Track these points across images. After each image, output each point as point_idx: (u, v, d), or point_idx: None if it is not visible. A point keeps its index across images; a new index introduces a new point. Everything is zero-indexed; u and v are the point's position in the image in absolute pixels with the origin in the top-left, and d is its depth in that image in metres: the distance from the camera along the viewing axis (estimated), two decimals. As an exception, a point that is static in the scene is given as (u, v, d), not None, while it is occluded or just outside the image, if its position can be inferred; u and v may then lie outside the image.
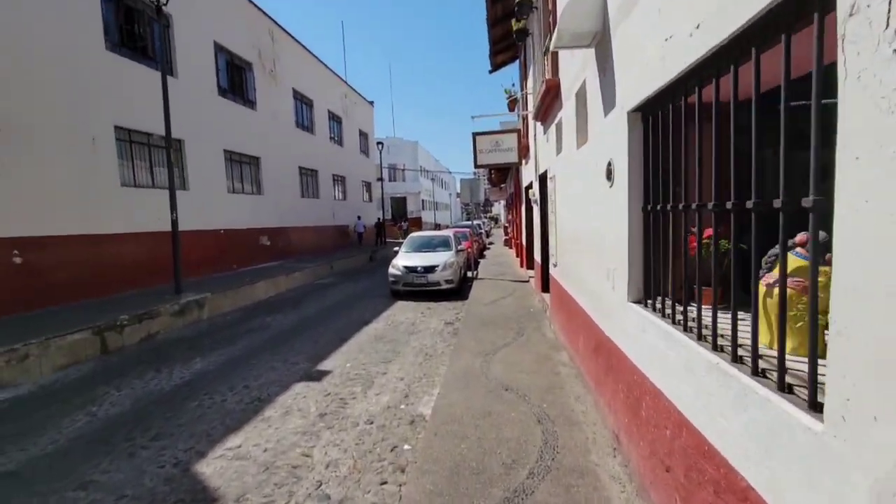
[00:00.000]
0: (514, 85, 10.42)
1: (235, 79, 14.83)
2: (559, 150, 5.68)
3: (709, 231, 2.42)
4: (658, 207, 2.55)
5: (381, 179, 28.24)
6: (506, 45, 11.81)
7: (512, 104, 9.93)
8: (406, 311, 9.55)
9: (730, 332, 1.84)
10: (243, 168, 15.16)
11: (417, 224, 43.01)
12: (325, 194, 21.82)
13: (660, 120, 2.50)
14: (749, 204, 1.93)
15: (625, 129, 2.79)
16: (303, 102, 19.93)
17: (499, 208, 67.40)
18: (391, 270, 11.24)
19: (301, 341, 7.31)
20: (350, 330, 7.91)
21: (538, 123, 7.55)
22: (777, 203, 1.76)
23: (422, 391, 5.01)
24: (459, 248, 12.54)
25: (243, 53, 14.99)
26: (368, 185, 29.50)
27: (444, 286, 10.94)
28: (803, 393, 1.44)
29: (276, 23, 17.35)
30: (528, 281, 11.44)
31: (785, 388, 1.51)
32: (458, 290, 11.33)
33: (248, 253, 14.96)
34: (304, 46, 19.88)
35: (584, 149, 4.13)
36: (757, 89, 1.65)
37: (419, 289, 10.97)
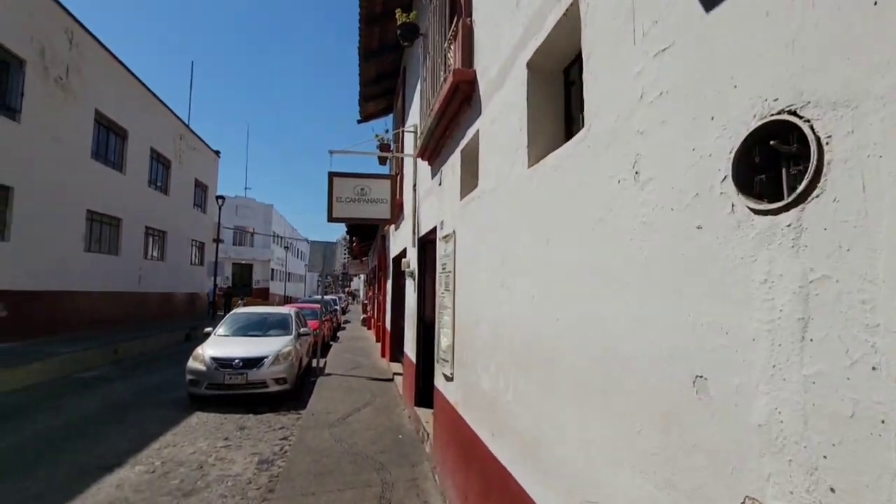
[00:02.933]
0: (387, 131, 8.49)
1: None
2: (469, 188, 3.47)
3: None
4: None
5: (218, 241, 23.47)
6: (380, 91, 9.99)
7: (384, 150, 7.83)
8: (201, 433, 5.96)
9: None
10: (-26, 198, 10.09)
11: (264, 296, 37.40)
12: (131, 251, 16.61)
13: None
14: None
15: None
16: (111, 130, 15.36)
17: (358, 283, 63.93)
18: (191, 364, 7.50)
19: None
20: (57, 496, 4.14)
21: (424, 165, 5.41)
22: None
23: None
24: (303, 331, 9.35)
25: (6, 41, 10.58)
26: (202, 246, 24.34)
27: (274, 388, 7.57)
28: None
29: (80, 24, 13.27)
30: (391, 379, 8.70)
31: None
32: (295, 392, 8.02)
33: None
34: (123, 65, 15.76)
35: (569, 153, 1.90)
36: None
37: (233, 392, 7.41)
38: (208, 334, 8.70)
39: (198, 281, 23.64)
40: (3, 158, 10.54)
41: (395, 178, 6.31)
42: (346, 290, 73.07)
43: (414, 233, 6.06)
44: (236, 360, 7.46)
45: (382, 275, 12.42)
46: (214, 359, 7.45)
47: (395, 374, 8.83)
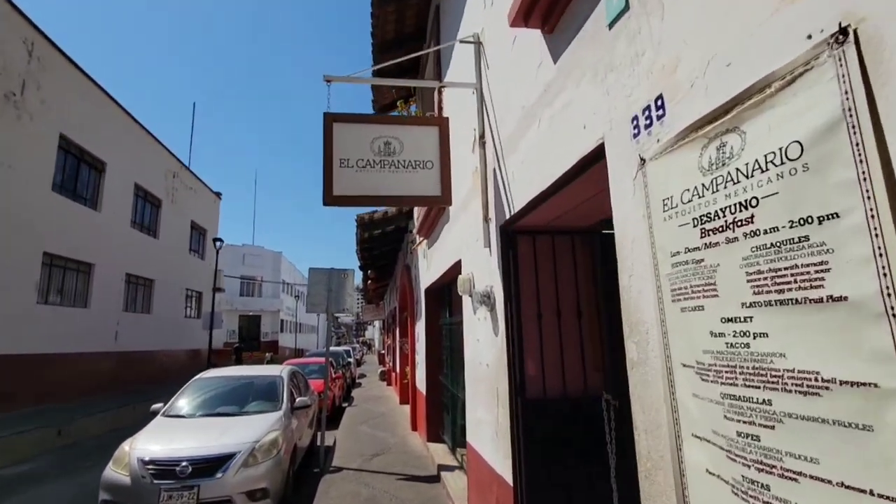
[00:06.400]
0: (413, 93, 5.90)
1: None
2: None
3: None
4: None
5: (217, 290, 20.79)
6: (398, 68, 7.43)
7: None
8: None
9: None
10: None
11: (273, 349, 34.40)
12: (105, 302, 13.92)
13: None
14: None
15: None
16: (82, 161, 13.09)
17: (373, 331, 60.18)
18: (107, 475, 4.48)
19: None
20: None
21: (522, 53, 2.63)
22: None
23: None
24: (298, 402, 6.26)
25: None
26: (199, 296, 21.71)
27: (246, 509, 4.48)
28: None
29: (43, 35, 11.27)
30: (437, 478, 5.51)
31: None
32: (283, 509, 4.90)
33: None
34: (101, 88, 13.72)
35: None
36: None
37: (177, 521, 4.33)
38: (156, 412, 5.75)
39: (195, 336, 20.82)
40: (-86, 184, 8.12)
41: (446, 123, 3.48)
42: (360, 339, 69.13)
43: (486, 220, 3.18)
44: (182, 464, 4.43)
45: (408, 316, 9.45)
46: (147, 463, 4.44)
47: (440, 466, 5.67)
